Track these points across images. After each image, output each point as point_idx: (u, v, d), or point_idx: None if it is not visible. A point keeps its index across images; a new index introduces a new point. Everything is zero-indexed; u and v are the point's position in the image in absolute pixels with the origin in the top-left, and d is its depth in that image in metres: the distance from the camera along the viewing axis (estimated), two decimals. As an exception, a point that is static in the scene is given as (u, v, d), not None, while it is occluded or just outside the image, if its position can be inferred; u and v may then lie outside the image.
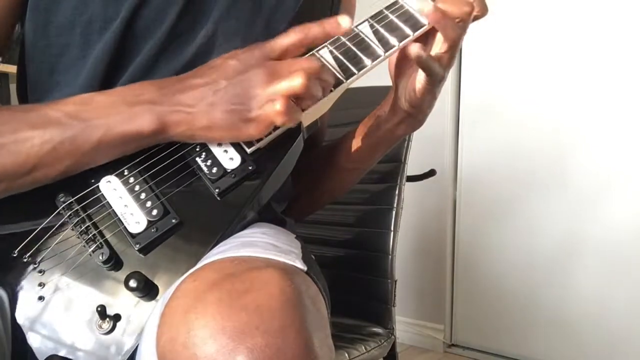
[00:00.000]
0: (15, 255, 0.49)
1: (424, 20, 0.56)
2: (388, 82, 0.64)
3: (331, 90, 0.54)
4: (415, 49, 0.52)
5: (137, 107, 0.48)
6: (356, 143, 0.68)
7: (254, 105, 0.48)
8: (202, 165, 0.51)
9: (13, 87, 1.96)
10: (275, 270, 0.40)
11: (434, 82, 0.56)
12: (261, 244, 0.49)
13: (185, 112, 0.48)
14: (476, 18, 0.57)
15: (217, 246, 0.50)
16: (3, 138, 0.46)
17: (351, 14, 0.74)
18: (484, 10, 0.56)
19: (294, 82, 0.47)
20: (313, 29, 0.50)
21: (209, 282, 0.39)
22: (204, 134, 0.49)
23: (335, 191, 0.75)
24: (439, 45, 0.55)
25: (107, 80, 0.56)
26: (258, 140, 0.52)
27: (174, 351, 0.36)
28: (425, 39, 0.57)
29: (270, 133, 0.52)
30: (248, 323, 0.35)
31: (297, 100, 0.49)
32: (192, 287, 0.39)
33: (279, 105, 0.47)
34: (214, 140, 0.51)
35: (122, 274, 0.48)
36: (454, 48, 0.54)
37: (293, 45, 0.50)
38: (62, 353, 0.46)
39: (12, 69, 1.83)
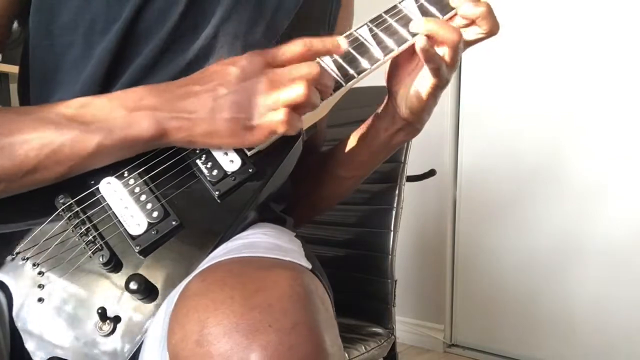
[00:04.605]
0: (14, 256, 0.49)
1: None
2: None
3: (331, 94, 0.54)
4: (421, 42, 0.52)
5: (137, 112, 0.48)
6: (353, 152, 0.68)
7: (256, 114, 0.48)
8: (203, 167, 0.51)
9: (13, 87, 1.96)
10: (283, 269, 0.40)
11: (440, 86, 0.56)
12: (264, 244, 0.49)
13: (185, 118, 0.48)
14: (489, 35, 0.56)
15: (219, 248, 0.50)
16: (0, 140, 0.46)
17: (349, 16, 0.74)
18: (495, 28, 0.56)
19: (296, 91, 0.47)
20: (315, 43, 0.50)
21: (219, 281, 0.39)
22: (203, 140, 0.49)
23: (332, 198, 0.75)
24: (439, 49, 0.55)
25: (108, 80, 0.56)
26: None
27: (187, 349, 0.36)
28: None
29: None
30: (261, 321, 0.35)
31: (296, 108, 0.49)
32: (203, 286, 0.39)
33: (282, 115, 0.47)
34: (213, 147, 0.51)
35: (122, 276, 0.48)
36: (454, 50, 0.54)
37: (295, 56, 0.49)
38: (61, 355, 0.46)
39: (12, 69, 1.83)
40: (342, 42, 0.51)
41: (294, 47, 0.49)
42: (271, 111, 0.47)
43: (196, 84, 0.49)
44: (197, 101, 0.48)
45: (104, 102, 0.49)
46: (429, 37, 0.54)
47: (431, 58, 0.53)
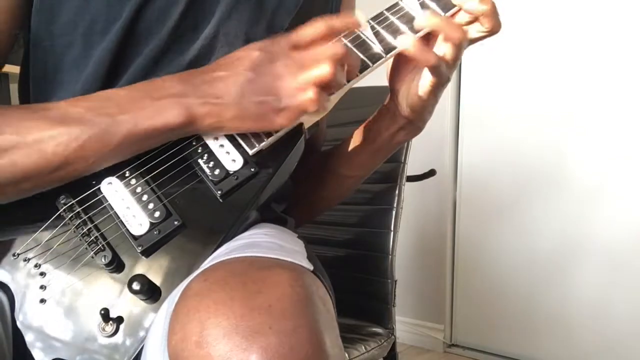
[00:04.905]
0: (15, 257, 0.49)
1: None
2: (386, 82, 0.63)
3: (345, 83, 0.54)
4: (409, 46, 0.52)
5: (163, 101, 0.47)
6: (354, 151, 0.68)
7: (284, 95, 0.48)
8: (204, 166, 0.51)
9: (13, 87, 1.96)
10: (285, 270, 0.40)
11: (440, 84, 0.56)
12: (266, 244, 0.49)
13: (213, 103, 0.48)
14: (491, 34, 0.56)
15: (221, 247, 0.50)
16: (25, 137, 0.45)
17: (351, 13, 0.74)
18: (497, 27, 0.55)
19: (322, 69, 0.47)
20: (336, 22, 0.51)
21: (221, 281, 0.39)
22: (233, 125, 0.49)
23: (333, 198, 0.75)
24: (441, 47, 0.55)
25: (108, 80, 0.56)
26: (260, 142, 0.52)
27: (187, 350, 0.36)
28: (427, 41, 0.57)
29: (272, 134, 0.52)
30: (261, 323, 0.35)
31: (324, 88, 0.49)
32: (204, 286, 0.39)
33: (311, 94, 0.48)
34: (242, 131, 0.51)
35: (124, 276, 0.48)
36: (457, 48, 0.54)
37: (318, 37, 0.50)
38: (64, 355, 0.46)
39: (12, 69, 1.82)
40: (360, 17, 0.51)
41: (316, 27, 0.50)
42: (300, 91, 0.48)
43: (222, 69, 0.49)
44: (225, 86, 0.48)
45: (126, 93, 0.49)
46: (432, 33, 0.54)
47: (425, 60, 0.53)
